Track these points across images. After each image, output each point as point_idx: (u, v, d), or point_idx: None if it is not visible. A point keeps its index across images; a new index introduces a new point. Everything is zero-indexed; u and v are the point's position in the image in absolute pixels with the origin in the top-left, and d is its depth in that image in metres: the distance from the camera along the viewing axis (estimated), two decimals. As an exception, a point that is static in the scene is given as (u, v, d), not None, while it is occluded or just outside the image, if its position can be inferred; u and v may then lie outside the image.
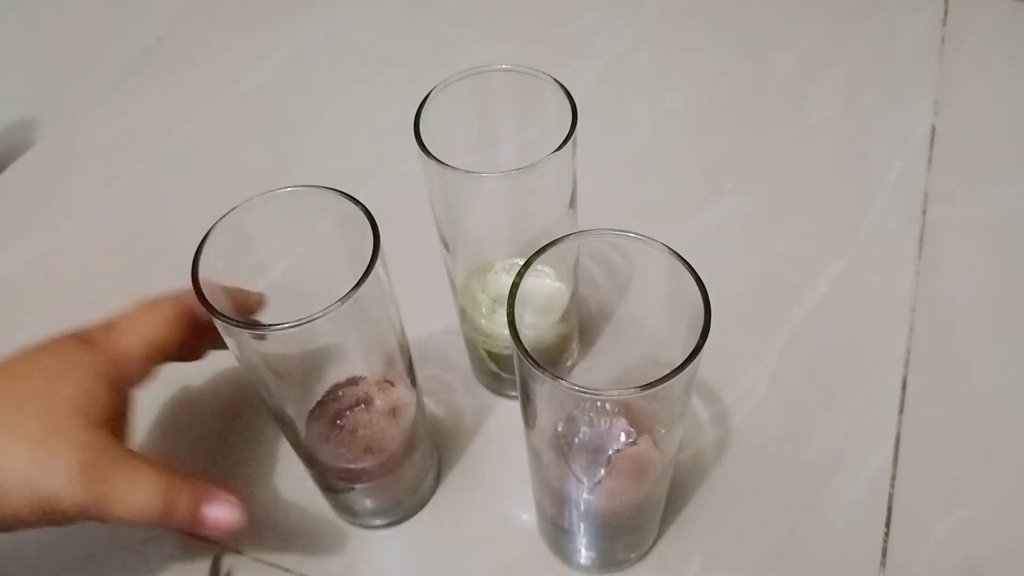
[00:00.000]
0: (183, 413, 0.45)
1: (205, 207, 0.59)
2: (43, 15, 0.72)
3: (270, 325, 0.28)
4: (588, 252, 0.39)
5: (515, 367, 0.28)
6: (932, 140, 0.55)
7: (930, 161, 0.54)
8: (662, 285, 0.29)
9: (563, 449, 0.33)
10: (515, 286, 0.28)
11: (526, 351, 0.26)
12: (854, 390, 0.44)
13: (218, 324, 0.29)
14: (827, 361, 0.45)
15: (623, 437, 0.34)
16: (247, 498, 0.34)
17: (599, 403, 0.34)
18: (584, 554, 0.38)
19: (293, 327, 0.28)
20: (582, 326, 0.44)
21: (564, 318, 0.40)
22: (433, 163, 0.32)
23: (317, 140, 0.59)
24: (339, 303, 0.28)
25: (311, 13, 0.68)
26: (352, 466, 0.37)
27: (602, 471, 0.33)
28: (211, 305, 0.28)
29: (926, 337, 0.46)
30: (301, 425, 0.36)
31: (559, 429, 0.34)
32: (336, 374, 0.36)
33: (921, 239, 0.50)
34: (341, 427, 0.37)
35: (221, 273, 0.30)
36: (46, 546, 0.40)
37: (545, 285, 0.38)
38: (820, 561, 0.38)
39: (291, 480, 0.42)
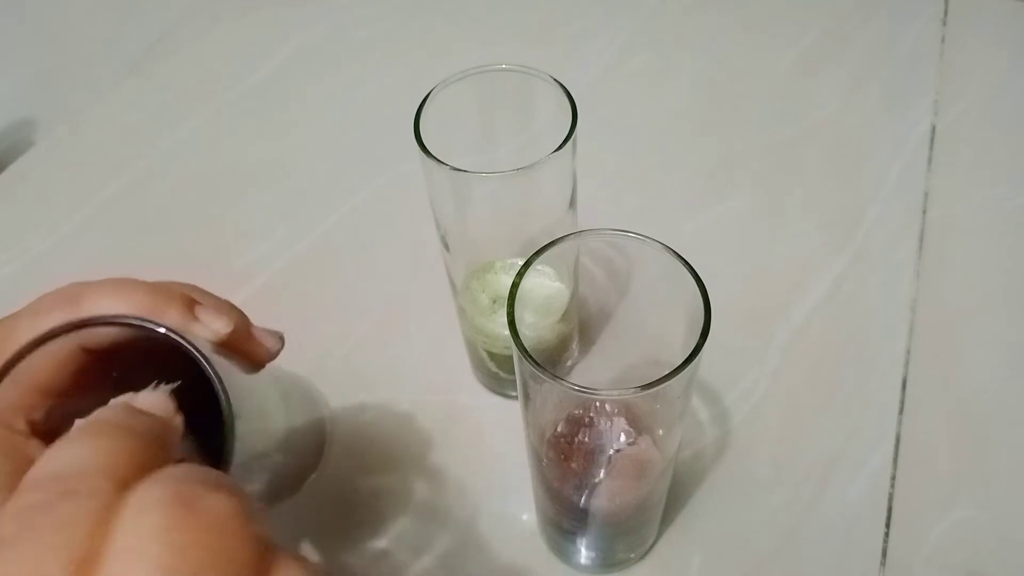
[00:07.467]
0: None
1: (205, 207, 0.58)
2: (43, 15, 0.72)
3: None
4: (588, 252, 0.39)
5: (515, 367, 0.28)
6: (932, 140, 0.55)
7: (930, 161, 0.54)
8: (662, 285, 0.28)
9: (563, 449, 0.33)
10: (515, 286, 0.28)
11: (526, 351, 0.26)
12: (854, 390, 0.44)
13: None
14: (827, 361, 0.45)
15: (623, 437, 0.34)
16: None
17: (599, 403, 0.34)
18: (584, 554, 0.38)
19: None
20: (582, 326, 0.44)
21: (564, 318, 0.40)
22: (433, 163, 0.32)
23: (317, 140, 0.59)
24: None
25: (310, 13, 0.68)
26: None
27: (602, 471, 0.33)
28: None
29: (926, 337, 0.46)
30: None
31: (559, 429, 0.34)
32: None
33: (921, 239, 0.50)
34: None
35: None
36: None
37: (545, 285, 0.38)
38: (820, 561, 0.38)
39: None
